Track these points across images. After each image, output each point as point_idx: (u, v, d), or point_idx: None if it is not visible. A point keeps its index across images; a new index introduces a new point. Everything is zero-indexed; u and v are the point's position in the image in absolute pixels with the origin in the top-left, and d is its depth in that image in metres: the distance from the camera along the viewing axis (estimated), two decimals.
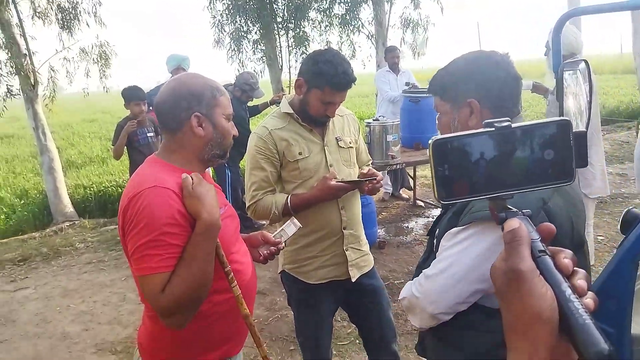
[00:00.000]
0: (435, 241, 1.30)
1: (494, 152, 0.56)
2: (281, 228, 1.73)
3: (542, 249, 0.51)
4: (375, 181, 2.00)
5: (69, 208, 6.64)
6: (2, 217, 7.09)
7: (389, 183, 6.02)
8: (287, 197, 1.98)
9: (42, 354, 3.23)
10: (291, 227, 1.73)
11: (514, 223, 0.52)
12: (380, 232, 5.00)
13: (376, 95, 6.38)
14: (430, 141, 0.57)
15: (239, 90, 4.90)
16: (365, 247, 2.18)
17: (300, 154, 1.98)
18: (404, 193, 6.18)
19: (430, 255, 1.36)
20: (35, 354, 3.24)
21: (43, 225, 6.62)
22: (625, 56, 20.44)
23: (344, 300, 2.21)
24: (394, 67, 5.77)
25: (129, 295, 3.98)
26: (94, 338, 3.39)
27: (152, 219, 1.19)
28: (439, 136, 0.57)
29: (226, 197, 4.99)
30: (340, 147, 2.08)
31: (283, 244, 1.67)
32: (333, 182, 1.91)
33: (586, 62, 1.46)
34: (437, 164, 0.57)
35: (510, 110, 1.27)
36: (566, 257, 0.50)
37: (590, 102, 1.54)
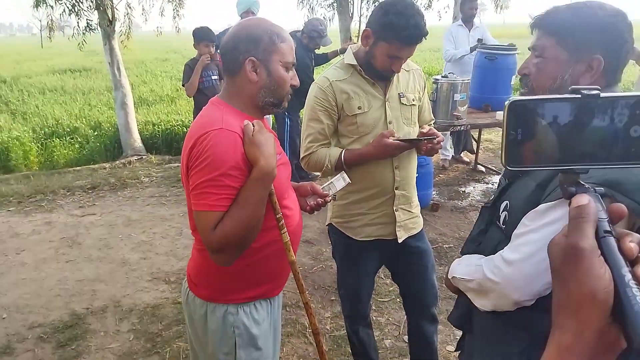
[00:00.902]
0: (504, 215, 1.18)
1: (575, 121, 0.52)
2: (330, 181, 1.72)
3: (609, 229, 0.48)
4: (434, 141, 1.91)
5: (138, 143, 6.96)
6: (76, 146, 7.59)
7: (449, 148, 5.79)
8: (341, 151, 1.94)
9: (102, 277, 3.49)
10: (340, 181, 1.71)
11: (582, 199, 0.50)
12: (435, 194, 4.88)
13: None
14: (506, 102, 0.53)
15: (306, 37, 4.78)
16: (416, 209, 2.12)
17: (359, 108, 1.91)
18: (465, 156, 5.95)
19: (489, 228, 1.27)
20: (95, 276, 3.50)
21: (113, 157, 7.03)
22: None
23: (389, 259, 2.19)
24: (469, 21, 5.32)
25: (186, 230, 4.17)
26: (150, 267, 3.62)
27: (215, 159, 1.23)
28: (517, 97, 0.54)
29: (283, 146, 5.05)
30: (403, 103, 1.98)
31: (330, 197, 1.66)
32: (390, 140, 1.84)
33: None
34: (510, 127, 0.53)
35: (618, 78, 1.13)
36: (632, 241, 0.47)
37: None
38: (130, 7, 8.12)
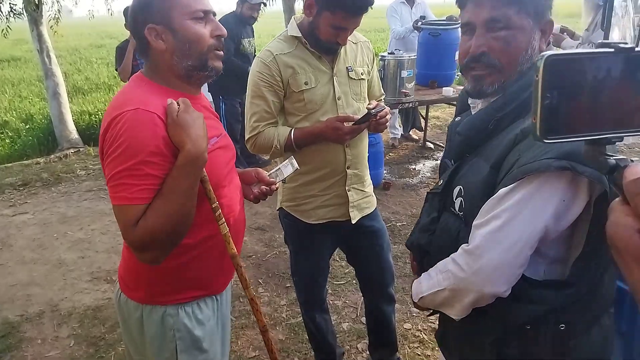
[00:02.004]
0: (459, 201, 1.11)
1: (612, 80, 0.46)
2: (278, 167, 1.59)
3: None
4: (379, 115, 1.82)
5: (74, 134, 6.54)
6: (7, 141, 7.04)
7: (397, 126, 5.78)
8: (291, 130, 1.82)
9: (36, 280, 3.22)
10: (288, 167, 1.58)
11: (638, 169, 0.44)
12: (386, 173, 4.86)
13: None
14: (541, 59, 0.46)
15: (238, 4, 4.42)
16: (369, 188, 2.04)
17: (306, 83, 1.80)
18: (414, 134, 5.98)
19: (442, 215, 1.18)
20: (30, 280, 3.23)
21: (48, 151, 6.56)
22: None
23: (343, 241, 2.11)
24: None
25: None
26: (89, 266, 3.38)
27: (132, 145, 1.07)
28: (553, 52, 0.47)
29: (225, 129, 4.75)
30: (351, 78, 1.88)
31: (277, 184, 1.53)
32: (342, 124, 1.75)
33: None
34: (545, 87, 0.46)
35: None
36: None
37: (638, 37, 1.33)
38: None
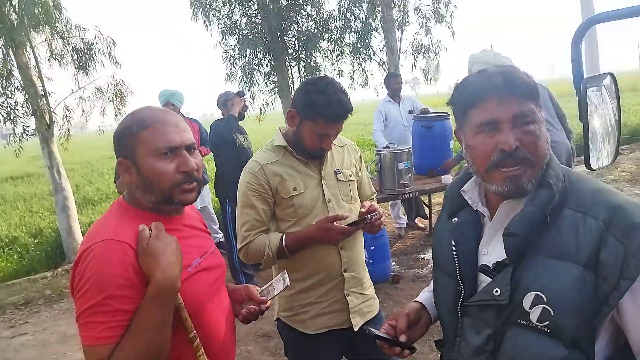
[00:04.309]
0: (540, 310, 0.95)
1: None
2: (270, 283, 1.51)
3: None
4: (374, 219, 1.80)
5: None
6: (15, 257, 7.04)
7: (402, 216, 5.76)
8: (282, 236, 1.79)
9: None
10: (280, 283, 1.49)
11: None
12: (394, 265, 4.73)
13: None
14: None
15: (223, 110, 4.41)
16: (370, 290, 1.96)
17: (295, 189, 1.80)
18: (420, 222, 5.92)
19: (507, 331, 1.00)
20: None
21: (55, 264, 6.53)
22: None
23: (347, 351, 1.98)
24: (396, 95, 5.47)
25: None
26: None
27: (99, 279, 1.03)
28: None
29: (227, 236, 4.52)
30: (340, 180, 1.89)
31: (269, 303, 1.42)
32: (333, 224, 1.72)
33: (612, 75, 1.26)
34: None
35: None
36: None
37: (619, 122, 1.33)
38: (69, 110, 8.00)
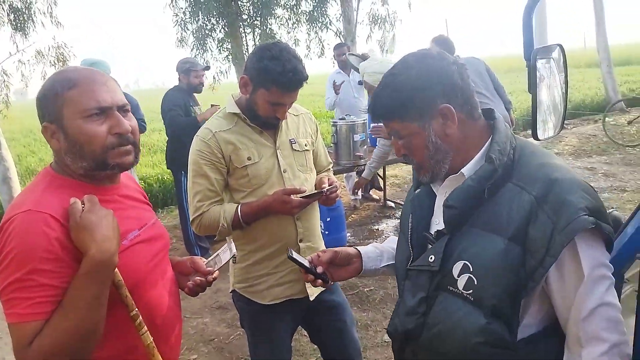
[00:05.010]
0: (466, 279, 1.00)
1: None
2: (216, 254, 1.46)
3: None
4: (330, 191, 1.81)
5: None
6: None
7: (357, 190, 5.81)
8: (237, 206, 1.75)
9: None
10: (226, 253, 1.45)
11: None
12: (350, 235, 4.80)
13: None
14: None
15: (182, 77, 4.30)
16: None
17: (249, 159, 1.76)
18: (374, 194, 6.01)
19: (438, 294, 1.06)
20: None
21: None
22: (589, 50, 20.81)
23: (303, 319, 2.00)
24: (344, 67, 5.42)
25: None
26: None
27: (21, 252, 0.95)
28: None
29: (183, 208, 4.47)
30: (295, 150, 1.86)
31: (215, 273, 1.38)
32: (290, 197, 1.70)
33: (561, 47, 1.29)
34: None
35: (476, 105, 1.09)
36: None
37: (566, 94, 1.36)
38: (7, 75, 7.50)
